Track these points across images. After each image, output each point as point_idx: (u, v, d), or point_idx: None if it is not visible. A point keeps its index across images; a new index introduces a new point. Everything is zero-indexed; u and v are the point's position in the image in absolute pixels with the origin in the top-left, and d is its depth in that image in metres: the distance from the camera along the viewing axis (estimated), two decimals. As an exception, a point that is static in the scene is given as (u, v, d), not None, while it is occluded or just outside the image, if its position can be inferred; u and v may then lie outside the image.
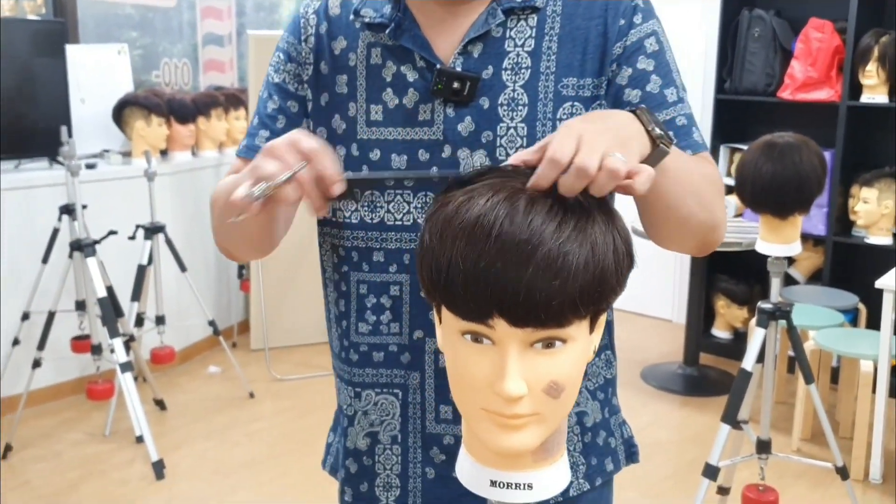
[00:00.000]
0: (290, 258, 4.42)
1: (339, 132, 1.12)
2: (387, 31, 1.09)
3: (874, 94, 3.83)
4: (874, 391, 3.18)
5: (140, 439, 3.26)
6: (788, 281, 4.30)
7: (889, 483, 3.22)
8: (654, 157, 0.90)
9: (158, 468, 3.18)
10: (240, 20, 5.28)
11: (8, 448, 3.35)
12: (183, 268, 3.73)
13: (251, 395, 3.93)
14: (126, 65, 4.27)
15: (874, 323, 3.60)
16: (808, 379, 2.55)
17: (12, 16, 4.02)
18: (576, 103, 1.07)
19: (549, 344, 0.81)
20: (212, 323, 3.84)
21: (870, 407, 3.22)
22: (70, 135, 3.41)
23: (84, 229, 3.36)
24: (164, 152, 4.27)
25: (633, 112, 0.89)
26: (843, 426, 3.61)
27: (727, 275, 4.44)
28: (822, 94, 4.01)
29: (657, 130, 0.88)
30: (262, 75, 4.27)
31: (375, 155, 1.10)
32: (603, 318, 0.88)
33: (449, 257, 0.80)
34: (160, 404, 3.79)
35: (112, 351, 3.20)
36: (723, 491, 2.74)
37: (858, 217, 3.89)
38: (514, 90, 1.06)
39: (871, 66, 3.78)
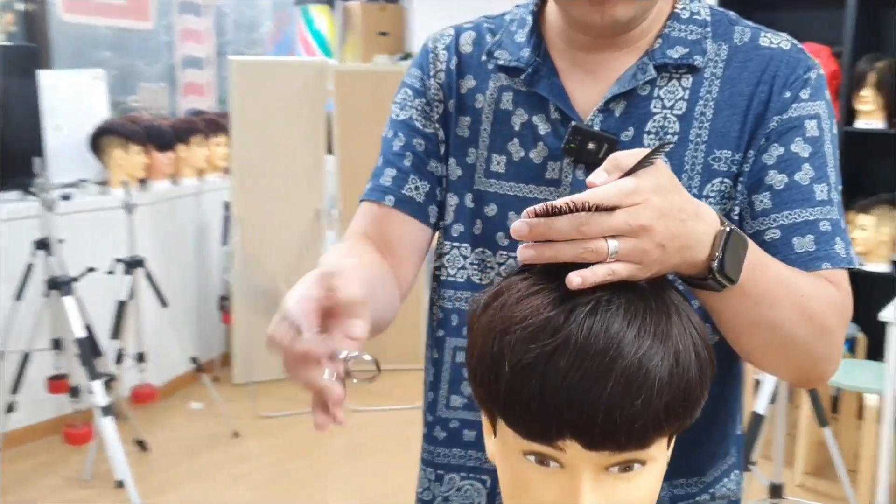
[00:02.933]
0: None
1: (454, 178, 1.02)
2: (522, 77, 0.98)
3: (870, 119, 3.77)
4: (878, 421, 3.11)
5: (121, 484, 3.10)
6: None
7: (896, 519, 3.15)
8: (701, 284, 0.79)
9: (141, 516, 3.03)
10: (219, 40, 5.16)
11: (-19, 497, 3.19)
12: (164, 303, 3.59)
13: (235, 434, 3.78)
14: (102, 91, 4.13)
15: (874, 352, 3.53)
16: (823, 422, 2.47)
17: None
18: (725, 179, 0.93)
19: (626, 467, 0.70)
20: (194, 360, 3.70)
21: (875, 440, 3.15)
22: (44, 166, 3.26)
23: (61, 265, 3.21)
24: (142, 181, 4.13)
25: (721, 222, 0.77)
26: (846, 458, 3.53)
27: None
28: (817, 119, 3.95)
29: (717, 265, 0.77)
30: (245, 101, 4.24)
31: (492, 210, 1.00)
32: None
33: (511, 368, 0.69)
34: (141, 445, 3.63)
35: (91, 393, 3.05)
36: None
37: (856, 244, 3.83)
38: None
39: (867, 92, 3.72)
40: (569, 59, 0.98)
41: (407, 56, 5.48)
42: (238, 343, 4.29)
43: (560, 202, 0.69)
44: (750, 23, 0.99)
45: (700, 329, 0.73)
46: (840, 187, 0.95)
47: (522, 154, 0.98)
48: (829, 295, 0.89)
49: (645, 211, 0.70)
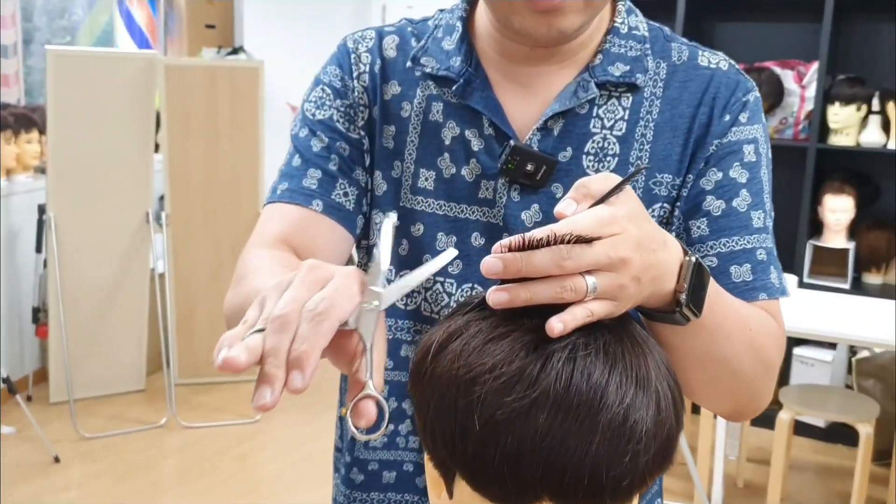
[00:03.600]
0: (97, 291, 3.97)
1: (379, 193, 0.94)
2: (453, 88, 0.90)
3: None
4: (715, 416, 3.25)
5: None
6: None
7: (732, 510, 3.30)
8: (664, 318, 0.74)
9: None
10: (25, 26, 4.72)
11: None
12: (-30, 318, 3.22)
13: (56, 460, 3.45)
14: None
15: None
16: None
17: None
18: (665, 204, 0.89)
19: (603, 527, 0.63)
20: (6, 380, 3.35)
21: (711, 434, 3.28)
22: None
23: None
24: (-60, 181, 3.71)
25: (684, 251, 0.72)
26: (679, 452, 3.68)
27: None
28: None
29: (686, 297, 0.72)
30: (62, 94, 3.88)
31: (418, 230, 0.92)
32: None
33: (483, 425, 0.60)
34: (-57, 478, 3.25)
35: None
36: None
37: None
38: None
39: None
40: (502, 72, 0.92)
41: (236, 50, 5.24)
42: (55, 358, 3.93)
43: (540, 233, 0.61)
44: (685, 40, 0.97)
45: (671, 368, 0.68)
46: (773, 213, 0.94)
47: (453, 171, 0.91)
48: (770, 327, 0.88)
49: (624, 242, 0.64)
